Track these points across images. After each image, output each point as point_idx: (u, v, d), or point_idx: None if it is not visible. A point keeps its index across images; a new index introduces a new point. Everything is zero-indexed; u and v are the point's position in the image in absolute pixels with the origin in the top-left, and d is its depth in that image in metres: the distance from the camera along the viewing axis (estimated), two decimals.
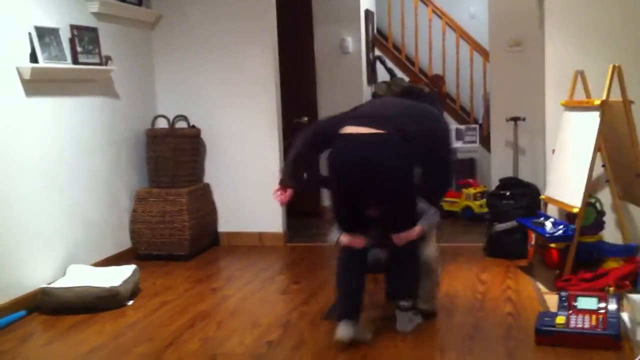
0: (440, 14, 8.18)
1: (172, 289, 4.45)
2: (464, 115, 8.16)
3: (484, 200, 5.85)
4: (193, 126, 5.53)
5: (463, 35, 8.05)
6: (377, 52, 7.84)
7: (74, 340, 3.55)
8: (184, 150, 5.37)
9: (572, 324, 3.18)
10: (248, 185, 5.60)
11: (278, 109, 5.62)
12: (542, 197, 4.67)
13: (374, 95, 7.18)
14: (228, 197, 5.68)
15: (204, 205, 5.50)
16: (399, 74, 7.86)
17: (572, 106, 4.38)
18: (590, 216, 4.23)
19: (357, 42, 6.96)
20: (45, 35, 4.22)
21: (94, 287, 4.01)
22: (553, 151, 4.58)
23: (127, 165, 5.27)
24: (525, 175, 5.49)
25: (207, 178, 5.69)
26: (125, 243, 5.22)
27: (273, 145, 5.58)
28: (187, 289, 4.44)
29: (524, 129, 5.70)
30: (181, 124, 5.48)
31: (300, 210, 6.34)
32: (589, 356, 3.03)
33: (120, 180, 5.16)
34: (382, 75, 7.61)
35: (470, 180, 6.83)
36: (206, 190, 5.62)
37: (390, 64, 7.80)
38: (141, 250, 5.24)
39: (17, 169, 4.03)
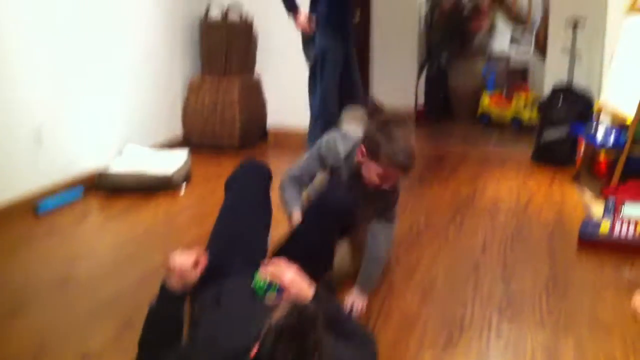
0: None
1: (222, 177, 4.47)
2: (519, 21, 7.89)
3: (535, 110, 5.76)
4: (245, 19, 5.49)
5: None
6: None
7: (130, 220, 3.72)
8: (236, 41, 5.38)
9: (616, 230, 3.21)
10: (298, 80, 5.50)
11: None
12: (596, 103, 4.60)
13: None
14: (278, 92, 5.68)
15: (254, 98, 5.55)
16: None
17: (636, 11, 4.23)
18: None
19: None
20: None
21: (148, 173, 4.16)
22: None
23: (182, 52, 5.34)
24: (580, 84, 5.38)
25: (258, 71, 5.69)
26: (177, 130, 5.34)
27: None
28: None
29: (582, 34, 5.53)
30: (234, 11, 5.42)
31: None
32: (631, 263, 3.08)
33: (174, 67, 5.26)
34: None
35: (523, 85, 6.71)
36: (257, 84, 5.65)
37: None
38: (192, 139, 5.36)
39: (80, 54, 4.14)
